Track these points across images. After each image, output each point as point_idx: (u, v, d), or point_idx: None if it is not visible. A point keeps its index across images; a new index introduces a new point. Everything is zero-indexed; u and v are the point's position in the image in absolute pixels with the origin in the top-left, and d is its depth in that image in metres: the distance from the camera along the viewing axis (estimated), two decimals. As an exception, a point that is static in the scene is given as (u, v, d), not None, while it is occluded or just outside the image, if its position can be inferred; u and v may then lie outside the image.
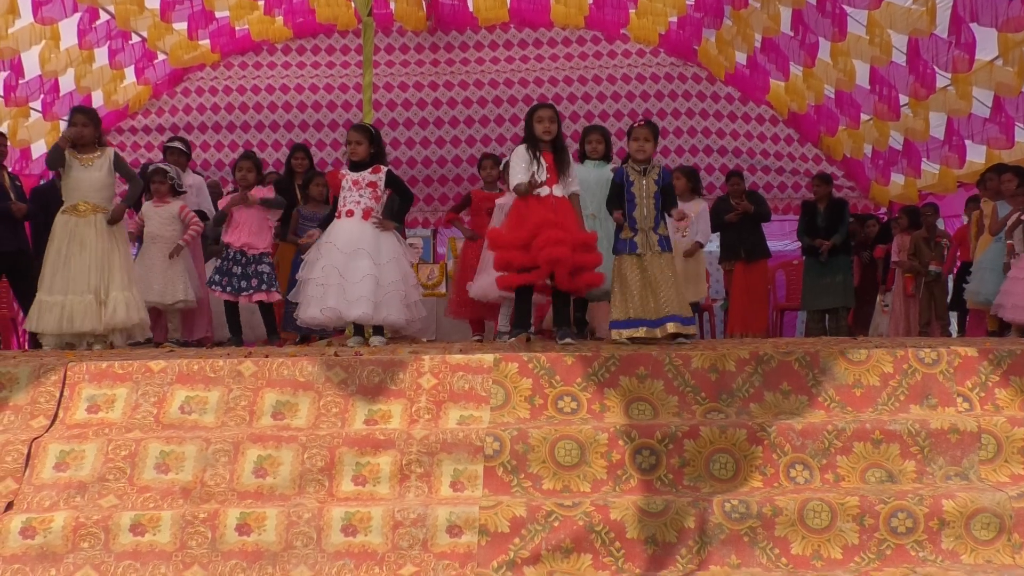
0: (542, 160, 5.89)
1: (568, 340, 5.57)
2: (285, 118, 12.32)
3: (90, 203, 6.54)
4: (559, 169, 5.92)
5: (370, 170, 6.32)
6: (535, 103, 6.24)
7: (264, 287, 7.26)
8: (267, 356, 4.58)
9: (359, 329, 6.28)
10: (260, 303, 7.36)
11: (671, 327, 5.55)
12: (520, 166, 5.92)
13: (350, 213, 6.21)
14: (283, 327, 7.71)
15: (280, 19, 11.81)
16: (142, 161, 10.81)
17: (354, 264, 6.05)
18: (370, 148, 6.34)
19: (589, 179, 6.56)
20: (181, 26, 10.88)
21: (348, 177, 6.30)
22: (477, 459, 3.92)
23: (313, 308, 6.07)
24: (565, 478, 3.94)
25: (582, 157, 6.89)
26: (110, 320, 6.42)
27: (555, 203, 5.83)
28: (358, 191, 6.24)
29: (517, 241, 5.72)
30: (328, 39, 12.36)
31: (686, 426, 4.06)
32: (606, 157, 6.84)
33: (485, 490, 3.87)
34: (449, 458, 3.94)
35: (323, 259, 6.07)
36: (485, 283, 6.95)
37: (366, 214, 6.21)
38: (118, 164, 6.73)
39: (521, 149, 5.99)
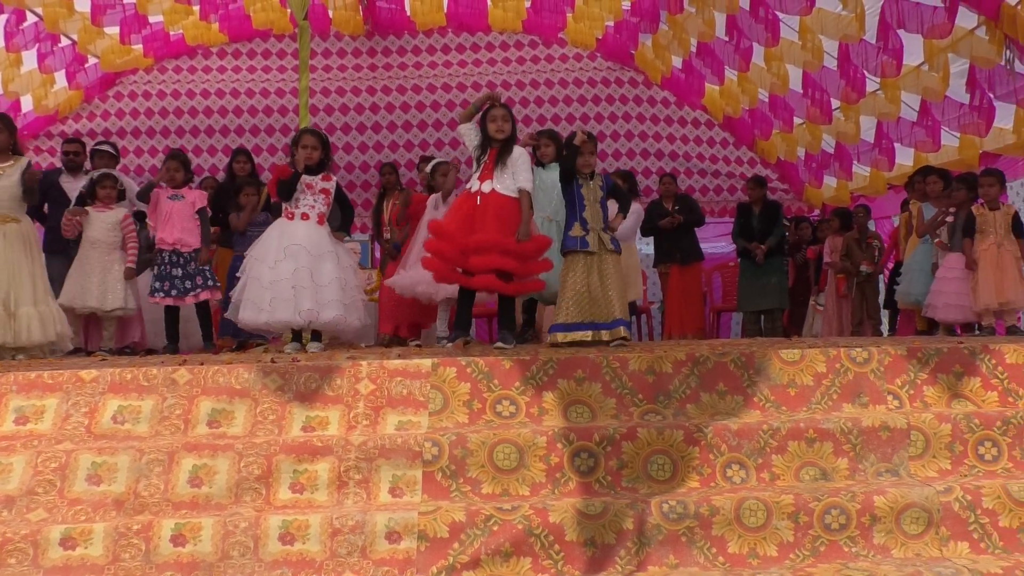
0: (485, 157, 5.99)
1: (502, 344, 5.59)
2: (221, 123, 12.16)
3: (0, 213, 6.38)
4: (499, 164, 5.95)
5: (321, 176, 6.28)
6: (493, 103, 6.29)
7: (210, 284, 7.15)
8: (202, 364, 4.51)
9: (297, 335, 6.24)
10: (198, 307, 7.24)
11: (622, 331, 5.63)
12: (469, 136, 6.13)
13: (305, 216, 6.15)
14: (219, 334, 7.62)
15: (216, 24, 11.67)
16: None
17: (321, 267, 6.02)
18: (322, 154, 6.31)
19: (544, 182, 6.60)
20: (113, 30, 10.69)
21: (302, 179, 6.23)
22: (416, 464, 3.91)
23: (283, 311, 5.96)
24: (504, 482, 3.94)
25: (536, 161, 6.94)
26: (25, 338, 6.25)
27: (483, 200, 5.89)
28: (312, 195, 6.20)
29: (444, 231, 5.80)
30: (264, 43, 12.24)
31: (624, 428, 4.08)
32: (558, 158, 6.88)
33: (424, 495, 3.85)
34: (388, 464, 3.91)
35: (289, 261, 5.97)
36: (409, 277, 6.97)
37: (320, 219, 6.17)
38: (25, 174, 6.43)
39: (472, 124, 6.13)
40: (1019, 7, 7.09)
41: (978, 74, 7.95)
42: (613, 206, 6.18)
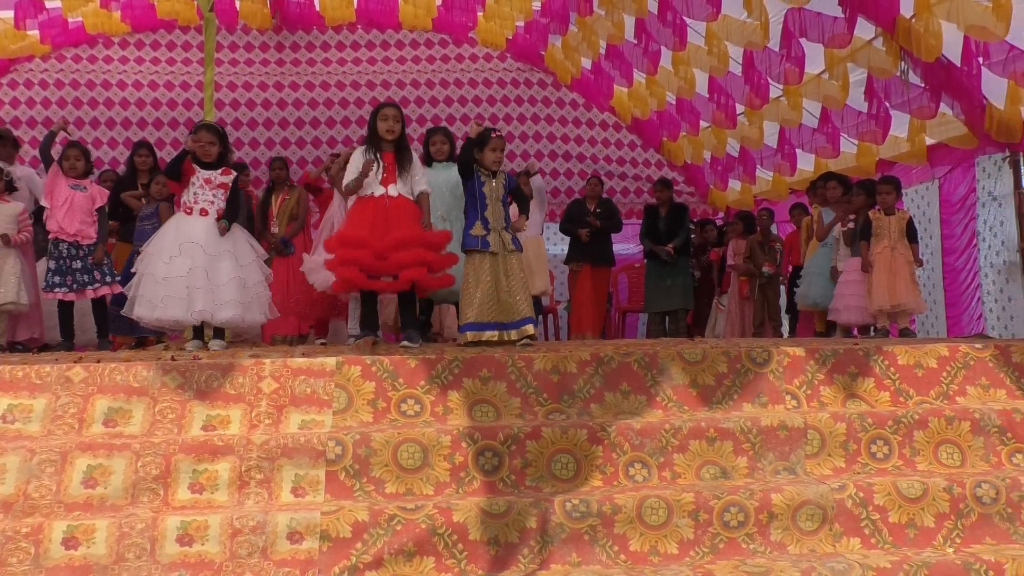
0: (382, 160, 5.89)
1: (409, 343, 5.58)
2: (122, 115, 11.86)
3: None
4: (399, 168, 5.92)
5: (220, 171, 6.17)
6: (382, 103, 6.23)
7: (108, 279, 6.97)
8: (99, 361, 4.40)
9: (198, 332, 6.12)
10: (95, 303, 7.05)
11: (530, 329, 5.66)
12: (353, 166, 5.94)
13: (204, 212, 6.02)
14: (117, 330, 7.43)
15: (117, 13, 11.38)
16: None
17: (219, 266, 5.90)
18: (220, 148, 6.19)
19: (437, 181, 6.57)
20: (7, 13, 10.34)
21: (199, 173, 6.11)
22: (319, 464, 3.87)
23: (175, 309, 5.84)
24: (408, 481, 3.93)
25: (428, 160, 6.92)
26: None
27: (391, 203, 5.83)
28: (211, 190, 6.08)
29: (355, 240, 5.71)
30: (169, 35, 12.00)
31: (528, 427, 4.10)
32: (451, 158, 6.88)
33: (327, 495, 3.82)
34: (290, 463, 3.87)
35: (184, 259, 5.85)
36: (317, 261, 6.92)
37: (220, 216, 6.06)
38: None
39: (359, 149, 6.00)
40: (913, 20, 7.33)
41: (875, 83, 8.20)
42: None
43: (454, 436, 4.01)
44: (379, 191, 5.86)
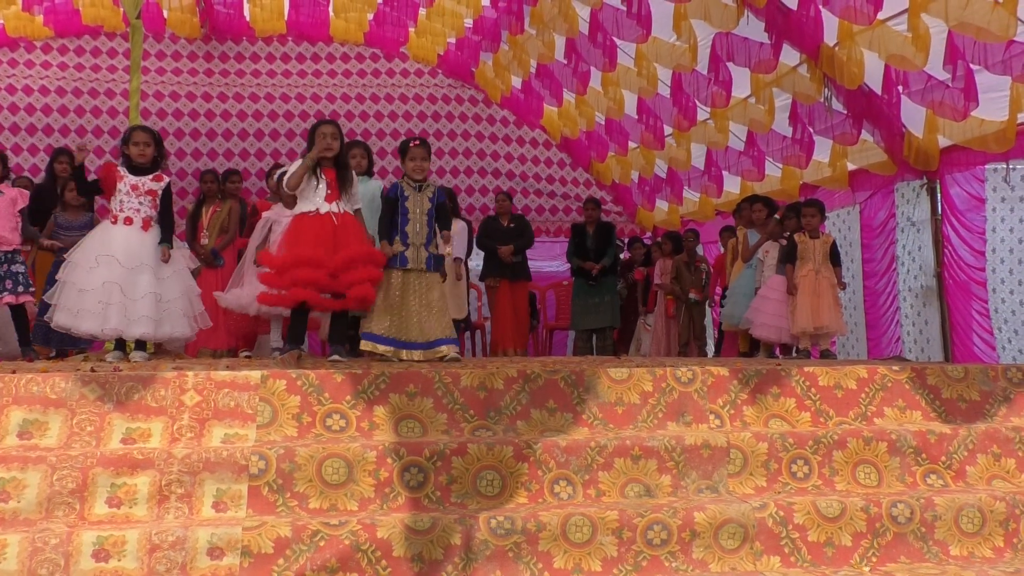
0: (322, 176, 5.84)
1: (336, 357, 5.54)
2: (44, 121, 11.59)
3: None
4: (341, 186, 5.88)
5: (151, 177, 6.05)
6: (320, 119, 6.20)
7: (21, 288, 6.77)
8: (14, 372, 4.30)
9: (120, 344, 6.01)
10: (14, 311, 6.86)
11: (444, 350, 5.65)
12: (293, 167, 5.92)
13: (128, 221, 5.90)
14: (37, 341, 7.25)
15: (40, 17, 11.15)
16: None
17: (135, 280, 5.79)
18: (155, 152, 6.09)
19: (366, 200, 6.56)
20: (-73, 15, 10.11)
21: (127, 180, 5.98)
22: (241, 478, 3.82)
23: (90, 323, 5.72)
24: (332, 497, 3.89)
25: None
26: None
27: (339, 220, 5.78)
28: (138, 197, 5.95)
29: (310, 260, 5.62)
30: (94, 40, 11.79)
31: (454, 443, 4.09)
32: (368, 172, 6.88)
33: (249, 510, 3.77)
34: (212, 477, 3.81)
35: (102, 271, 5.72)
36: (249, 296, 6.78)
37: (146, 224, 5.94)
38: None
39: (298, 161, 5.94)
40: (837, 48, 7.50)
41: (800, 109, 8.37)
42: None
43: (379, 452, 3.99)
44: (324, 208, 5.79)
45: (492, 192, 12.41)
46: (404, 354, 5.69)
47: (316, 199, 5.81)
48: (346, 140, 6.22)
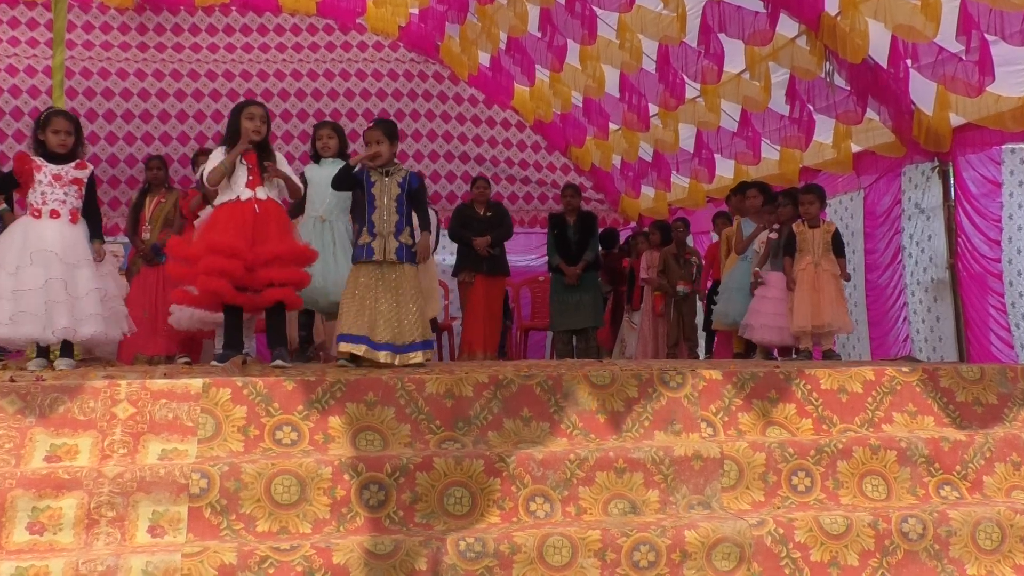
0: (243, 160, 5.86)
1: (280, 362, 5.51)
2: (-46, 103, 11.46)
3: None
4: (264, 170, 5.89)
5: (74, 164, 5.98)
6: (243, 100, 6.20)
7: None
8: (-76, 383, 4.24)
9: (43, 350, 5.94)
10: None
11: (418, 357, 5.63)
12: (213, 161, 5.95)
13: (55, 214, 5.81)
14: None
15: (-51, -15, 11.04)
16: None
17: (76, 276, 5.71)
18: (75, 140, 6.03)
19: (320, 178, 6.55)
20: None
21: (46, 169, 5.89)
22: (181, 499, 3.78)
23: (31, 326, 5.61)
24: (283, 518, 3.87)
25: (315, 156, 6.94)
26: None
27: (261, 208, 5.79)
28: (62, 187, 5.87)
29: (226, 247, 5.61)
30: (11, 10, 11.63)
31: (419, 457, 4.07)
32: (341, 154, 6.88)
33: (190, 535, 3.73)
34: (147, 499, 3.77)
35: (36, 269, 5.63)
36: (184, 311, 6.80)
37: (74, 216, 5.87)
38: None
39: (220, 149, 5.95)
40: (839, 18, 7.51)
41: (798, 85, 8.38)
42: None
43: (335, 467, 3.97)
44: (246, 194, 5.80)
45: (460, 178, 12.39)
46: (383, 356, 5.65)
47: (236, 186, 5.84)
48: (313, 122, 6.24)
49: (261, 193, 5.85)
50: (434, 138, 12.57)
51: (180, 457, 4.06)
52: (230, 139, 5.97)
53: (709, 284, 9.58)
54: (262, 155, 5.94)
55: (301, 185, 6.32)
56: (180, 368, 6.18)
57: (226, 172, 5.84)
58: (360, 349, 5.65)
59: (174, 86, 11.92)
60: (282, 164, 6.08)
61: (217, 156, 5.96)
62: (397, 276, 5.78)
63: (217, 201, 5.92)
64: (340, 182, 5.95)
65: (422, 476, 4.02)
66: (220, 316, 6.30)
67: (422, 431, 4.39)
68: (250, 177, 5.87)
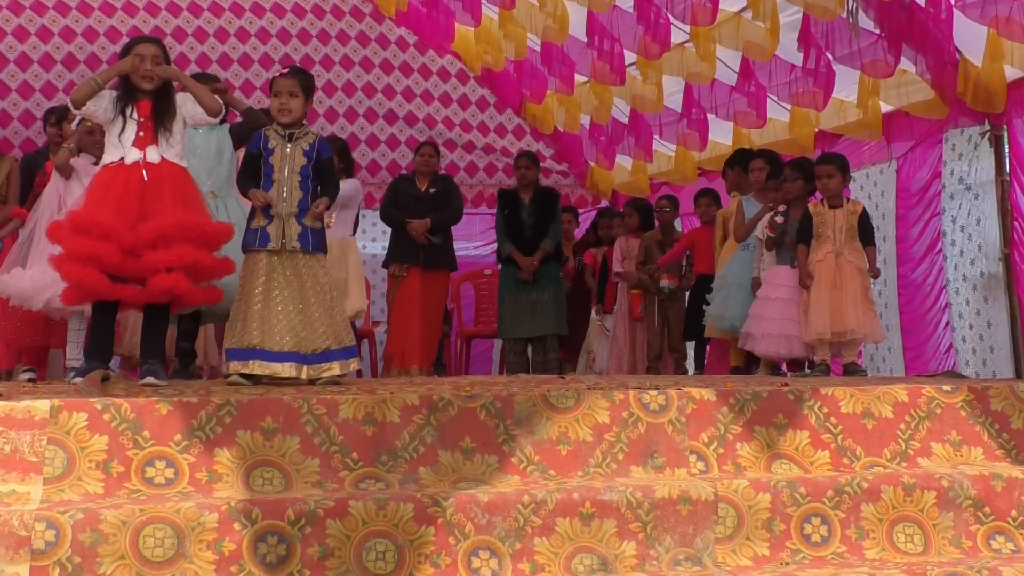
0: (135, 114, 5.76)
1: (151, 380, 5.46)
2: None
3: None
4: (158, 124, 5.79)
5: None
6: (135, 37, 6.10)
7: None
8: None
9: None
10: None
11: (334, 369, 5.61)
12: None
13: None
14: None
15: None
16: None
17: None
18: None
19: (197, 143, 6.51)
20: None
21: None
22: (20, 556, 3.75)
23: None
24: (154, 580, 3.85)
25: None
26: None
27: (152, 173, 5.70)
28: None
29: (96, 227, 5.53)
30: None
31: (331, 500, 4.07)
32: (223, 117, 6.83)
33: (31, 604, 3.71)
34: (-25, 556, 3.75)
35: None
36: (31, 280, 6.65)
37: None
38: None
39: (105, 93, 5.84)
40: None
41: (814, 27, 8.39)
42: None
43: (223, 514, 3.95)
44: (132, 156, 5.70)
45: (385, 143, 12.34)
46: (285, 370, 5.62)
47: (122, 144, 5.73)
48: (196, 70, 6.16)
49: (153, 154, 5.72)
50: (352, 91, 12.51)
51: (19, 502, 4.03)
52: (121, 85, 5.86)
53: (693, 280, 9.54)
54: (159, 105, 5.83)
55: (219, 101, 6.17)
56: (21, 386, 6.12)
57: (94, 90, 5.69)
58: (252, 367, 5.62)
59: (13, 22, 11.77)
60: (187, 103, 5.95)
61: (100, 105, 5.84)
62: (301, 268, 5.76)
63: (102, 161, 5.79)
64: (248, 129, 5.88)
65: (334, 525, 4.01)
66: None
67: (335, 467, 4.39)
68: (140, 134, 5.70)
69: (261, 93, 11.61)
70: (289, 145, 5.85)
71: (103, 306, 5.79)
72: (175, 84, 5.97)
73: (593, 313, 10.68)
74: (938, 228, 8.85)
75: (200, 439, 4.32)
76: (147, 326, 5.88)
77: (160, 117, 5.78)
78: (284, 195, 5.79)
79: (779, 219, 7.97)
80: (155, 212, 5.58)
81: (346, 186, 8.08)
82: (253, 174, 5.88)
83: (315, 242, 5.83)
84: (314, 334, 5.69)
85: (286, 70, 6.02)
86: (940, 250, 8.85)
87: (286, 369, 5.63)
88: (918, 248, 9.02)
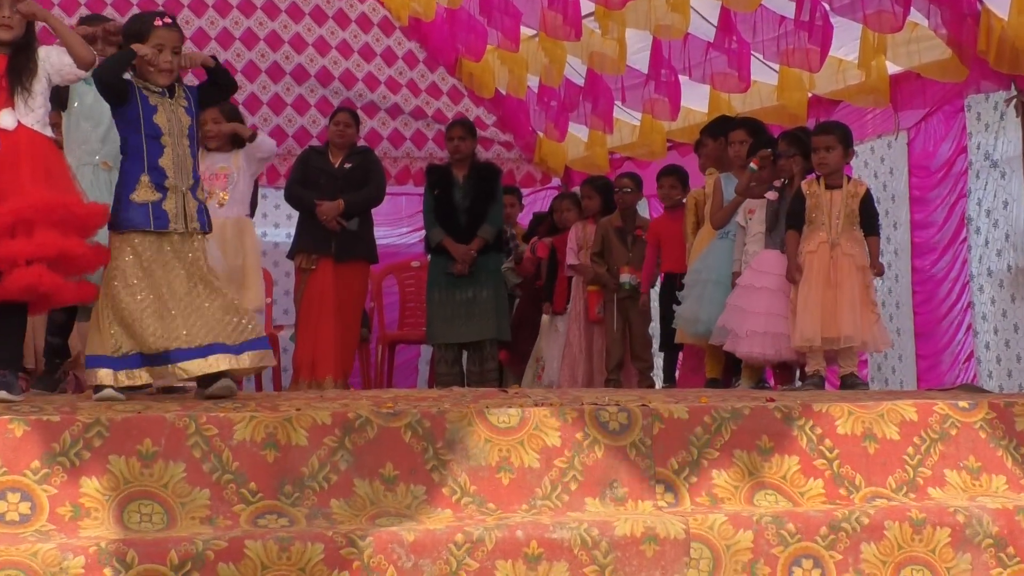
0: None
1: (4, 394, 5.43)
2: None
3: None
4: (15, 82, 5.75)
5: None
6: None
7: None
8: None
9: None
10: None
11: (218, 362, 5.58)
12: None
13: None
14: None
15: None
16: None
17: None
18: None
19: (89, 103, 6.55)
20: None
21: None
22: None
23: None
24: (7, 639, 3.84)
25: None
26: None
27: (6, 143, 5.65)
28: None
29: None
30: None
31: (223, 540, 4.06)
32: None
33: None
34: None
35: None
36: None
37: None
38: None
39: None
40: None
41: (808, -29, 8.45)
42: None
43: (91, 557, 3.94)
44: None
45: (292, 106, 12.32)
46: (178, 371, 5.57)
47: None
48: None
49: (8, 119, 5.69)
50: (252, 43, 12.47)
51: None
52: None
53: (662, 276, 9.56)
54: (16, 59, 5.78)
55: (91, 50, 6.11)
56: None
57: None
58: (138, 377, 5.61)
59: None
60: (52, 54, 5.90)
61: None
62: (196, 252, 5.74)
63: None
64: (111, 74, 5.83)
65: (227, 569, 4.01)
66: None
67: (229, 499, 4.38)
68: None
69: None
70: (170, 102, 5.82)
71: None
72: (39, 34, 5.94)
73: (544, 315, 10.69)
74: (962, 212, 8.83)
75: (63, 466, 4.29)
76: (1, 326, 5.84)
77: (17, 74, 5.73)
78: (176, 163, 5.74)
79: (771, 195, 7.98)
80: (11, 191, 5.53)
81: (240, 158, 7.99)
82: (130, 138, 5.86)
83: (208, 221, 5.85)
84: (205, 323, 5.64)
85: (169, 19, 5.96)
86: (965, 239, 8.83)
87: (217, 363, 5.58)
88: (938, 237, 9.03)
